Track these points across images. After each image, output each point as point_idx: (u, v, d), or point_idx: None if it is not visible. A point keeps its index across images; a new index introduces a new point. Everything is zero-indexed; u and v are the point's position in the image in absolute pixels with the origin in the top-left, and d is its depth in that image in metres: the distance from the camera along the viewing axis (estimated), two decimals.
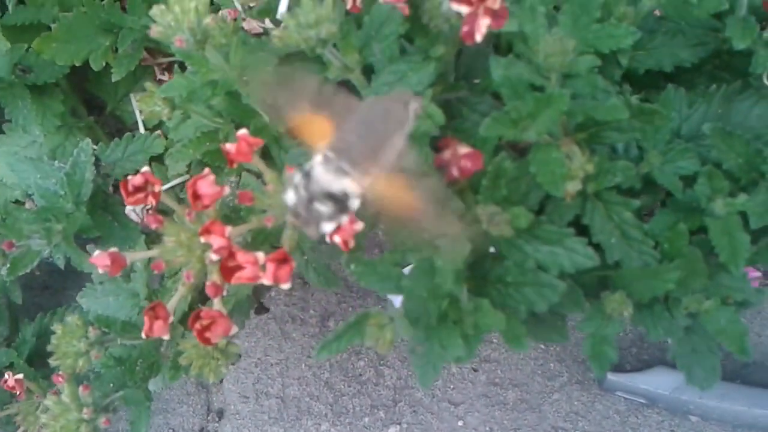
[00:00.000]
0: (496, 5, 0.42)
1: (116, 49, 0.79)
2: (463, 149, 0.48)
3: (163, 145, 0.81)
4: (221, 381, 1.01)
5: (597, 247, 0.54)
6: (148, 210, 0.53)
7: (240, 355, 1.08)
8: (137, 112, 0.85)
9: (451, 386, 0.96)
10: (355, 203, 0.44)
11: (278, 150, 0.67)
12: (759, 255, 0.57)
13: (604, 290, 0.56)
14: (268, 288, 0.92)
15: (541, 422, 0.92)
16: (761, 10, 0.64)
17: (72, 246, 0.71)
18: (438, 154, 0.49)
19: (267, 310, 0.96)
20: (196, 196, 0.51)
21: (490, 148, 0.50)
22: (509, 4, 0.53)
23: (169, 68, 0.86)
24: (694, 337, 0.57)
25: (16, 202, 0.88)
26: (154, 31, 0.52)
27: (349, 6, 0.56)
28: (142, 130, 0.85)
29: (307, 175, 0.44)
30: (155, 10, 0.52)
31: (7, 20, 0.76)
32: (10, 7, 0.72)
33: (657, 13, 0.67)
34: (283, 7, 0.54)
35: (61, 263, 0.74)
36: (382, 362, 0.99)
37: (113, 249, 0.51)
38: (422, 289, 0.48)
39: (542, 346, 0.95)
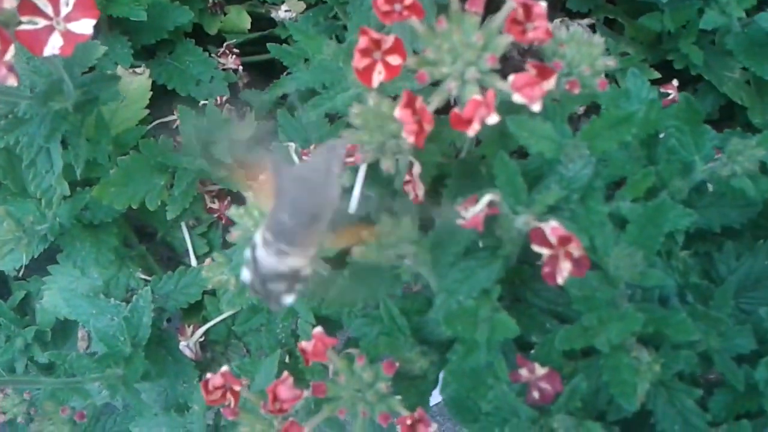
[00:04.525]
0: (577, 253, 0.44)
1: (170, 185, 0.81)
2: (540, 370, 0.49)
3: None
4: None
5: None
6: (227, 405, 0.54)
7: None
8: (188, 241, 0.87)
9: None
10: (306, 272, 0.46)
11: None
12: None
13: None
14: None
15: None
16: None
17: (132, 392, 0.73)
18: (514, 370, 0.50)
19: None
20: (276, 400, 0.52)
21: (559, 353, 0.52)
22: (575, 205, 0.55)
23: (219, 196, 0.87)
24: None
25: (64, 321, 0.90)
26: (234, 236, 0.54)
27: (411, 197, 0.58)
28: (193, 259, 0.87)
29: (255, 259, 0.45)
30: (234, 212, 0.54)
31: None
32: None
33: None
34: (354, 202, 0.56)
35: (119, 404, 0.75)
36: None
37: None
38: None
39: None
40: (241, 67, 0.99)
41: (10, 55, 0.50)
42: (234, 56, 0.99)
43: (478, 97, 0.45)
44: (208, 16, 1.02)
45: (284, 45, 0.94)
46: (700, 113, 0.62)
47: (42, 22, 0.51)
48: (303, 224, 0.45)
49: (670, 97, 0.79)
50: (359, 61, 0.48)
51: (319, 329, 0.55)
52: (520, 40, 0.46)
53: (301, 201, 0.45)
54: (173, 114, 0.97)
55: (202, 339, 0.82)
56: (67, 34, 0.52)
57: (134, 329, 0.75)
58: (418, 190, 0.57)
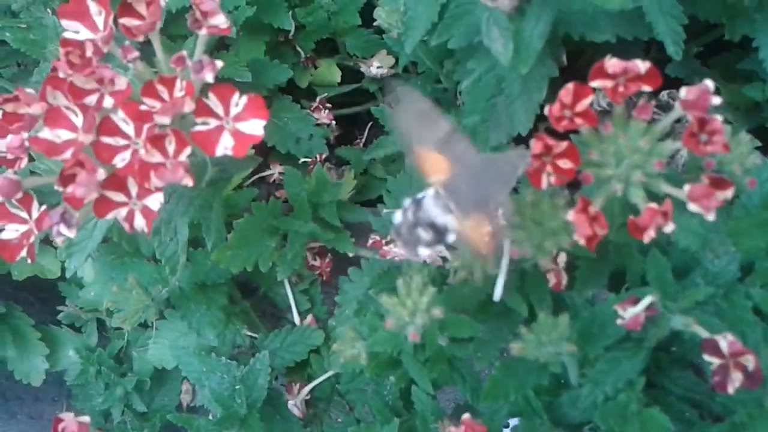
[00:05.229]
0: (751, 366, 0.45)
1: (280, 246, 0.83)
2: None
3: (322, 337, 0.85)
4: None
5: None
6: None
7: None
8: (291, 298, 0.89)
9: None
10: (451, 237, 0.50)
11: None
12: None
13: None
14: None
15: None
16: None
17: None
18: None
19: None
20: None
21: None
22: (720, 300, 0.56)
23: (320, 253, 0.89)
24: None
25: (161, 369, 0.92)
26: (388, 323, 0.55)
27: (552, 284, 0.59)
28: (296, 315, 0.89)
29: (418, 204, 0.50)
30: (387, 301, 0.55)
31: None
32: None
33: None
34: (499, 290, 0.57)
35: None
36: None
37: None
38: None
39: None
40: (334, 122, 1.01)
41: (185, 155, 0.52)
42: (327, 111, 1.01)
43: (654, 205, 0.46)
44: (300, 69, 1.04)
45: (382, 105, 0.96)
46: None
47: (213, 122, 0.53)
48: (476, 199, 0.49)
49: None
50: (532, 165, 0.49)
51: (467, 416, 0.56)
52: (697, 153, 0.48)
53: (485, 181, 0.50)
54: (269, 168, 0.99)
55: (307, 397, 0.84)
56: (236, 134, 0.54)
57: (249, 390, 0.77)
58: (561, 279, 0.59)
